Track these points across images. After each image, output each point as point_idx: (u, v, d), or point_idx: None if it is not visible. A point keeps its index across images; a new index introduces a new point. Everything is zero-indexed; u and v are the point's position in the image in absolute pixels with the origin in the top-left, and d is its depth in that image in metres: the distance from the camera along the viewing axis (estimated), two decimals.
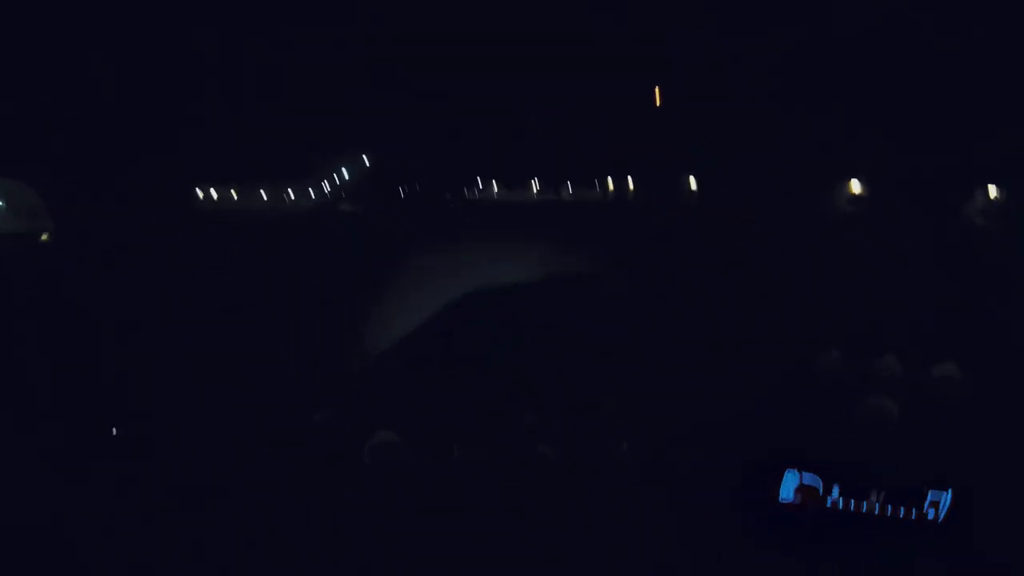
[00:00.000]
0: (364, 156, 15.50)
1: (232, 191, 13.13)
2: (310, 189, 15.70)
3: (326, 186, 15.68)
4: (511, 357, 6.86)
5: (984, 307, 6.42)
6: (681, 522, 3.41)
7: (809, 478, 3.19)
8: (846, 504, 3.16)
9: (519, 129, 13.14)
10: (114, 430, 4.23)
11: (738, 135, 10.54)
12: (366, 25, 10.84)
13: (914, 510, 3.08)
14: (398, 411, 4.77)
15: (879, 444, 3.71)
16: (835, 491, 3.17)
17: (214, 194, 12.72)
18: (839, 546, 3.15)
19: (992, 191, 9.02)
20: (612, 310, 8.10)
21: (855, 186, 10.10)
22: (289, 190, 14.82)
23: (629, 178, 14.07)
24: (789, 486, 3.22)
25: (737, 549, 3.29)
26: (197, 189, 12.25)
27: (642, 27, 10.17)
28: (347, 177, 15.75)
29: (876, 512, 3.14)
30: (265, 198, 14.41)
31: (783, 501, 3.24)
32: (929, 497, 3.05)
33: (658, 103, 11.35)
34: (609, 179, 15.73)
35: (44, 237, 8.73)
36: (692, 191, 12.11)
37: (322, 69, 11.51)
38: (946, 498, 3.03)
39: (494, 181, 17.37)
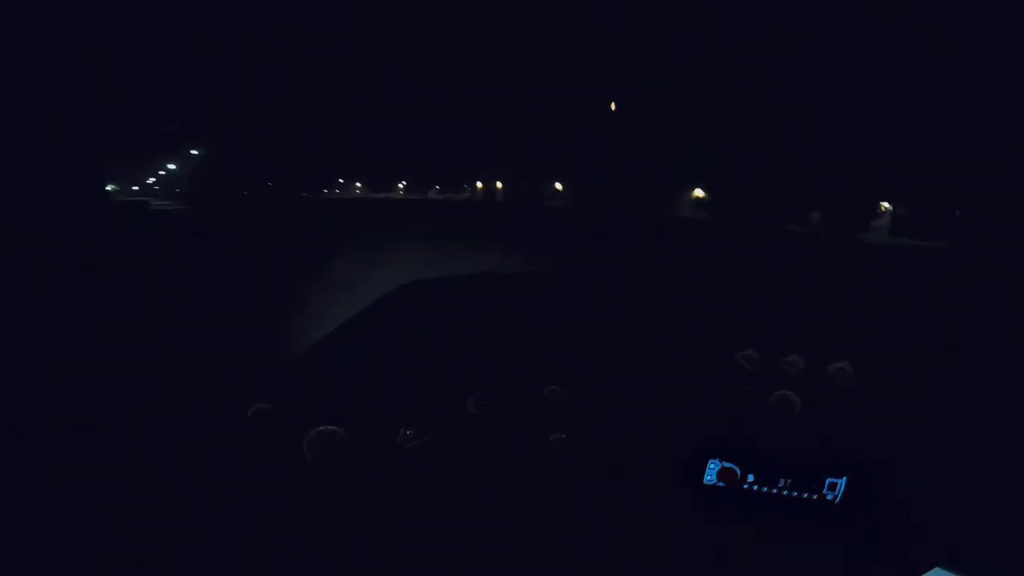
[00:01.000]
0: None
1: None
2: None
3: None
4: (448, 346, 6.75)
5: (874, 314, 7.00)
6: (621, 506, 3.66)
7: (729, 464, 3.62)
8: (759, 487, 3.62)
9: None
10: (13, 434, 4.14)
11: (738, 135, 10.59)
12: (366, 25, 10.86)
13: (816, 493, 3.55)
14: (335, 402, 4.79)
15: (786, 432, 4.28)
16: (750, 476, 3.61)
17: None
18: (754, 523, 3.56)
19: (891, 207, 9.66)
20: (546, 306, 8.09)
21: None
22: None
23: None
24: (712, 471, 3.64)
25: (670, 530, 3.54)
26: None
27: (642, 27, 10.19)
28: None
29: (785, 494, 3.60)
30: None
31: (707, 484, 3.65)
32: (828, 481, 3.51)
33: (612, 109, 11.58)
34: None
35: None
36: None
37: (322, 69, 11.55)
38: (842, 483, 3.50)
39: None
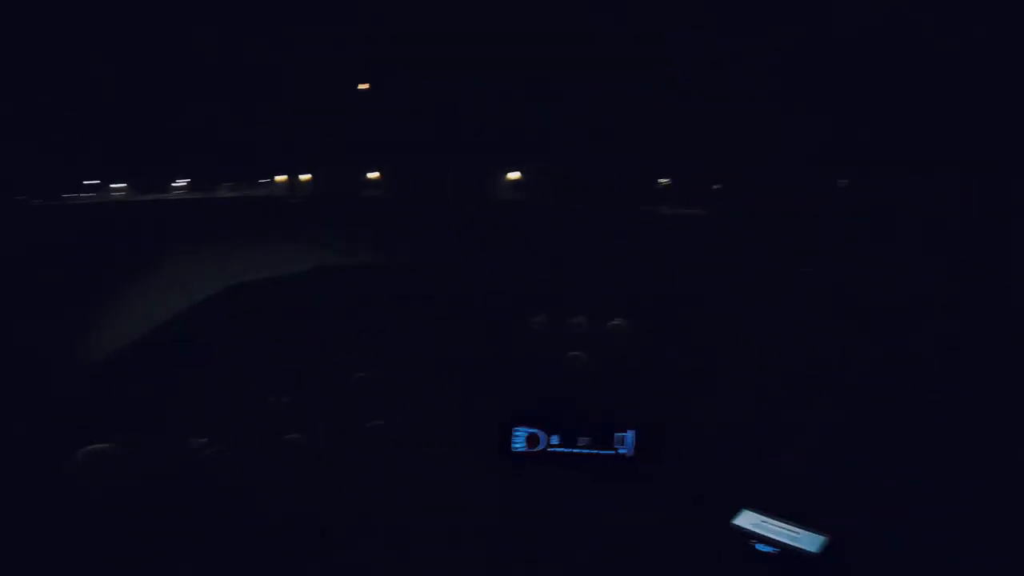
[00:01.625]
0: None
1: None
2: None
3: None
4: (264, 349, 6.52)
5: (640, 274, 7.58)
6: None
7: (534, 429, 3.94)
8: (562, 448, 4.00)
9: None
10: None
11: (734, 135, 10.60)
12: (366, 25, 10.84)
13: (612, 449, 3.94)
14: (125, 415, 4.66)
15: (580, 391, 4.69)
16: (554, 438, 3.97)
17: None
18: (560, 480, 3.89)
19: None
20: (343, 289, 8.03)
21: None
22: None
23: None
24: (520, 438, 3.95)
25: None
26: None
27: (642, 27, 10.18)
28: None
29: (585, 451, 3.96)
30: None
31: (515, 450, 3.95)
32: (619, 436, 3.90)
33: None
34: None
35: None
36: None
37: (322, 69, 11.52)
38: (631, 436, 3.89)
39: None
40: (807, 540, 3.02)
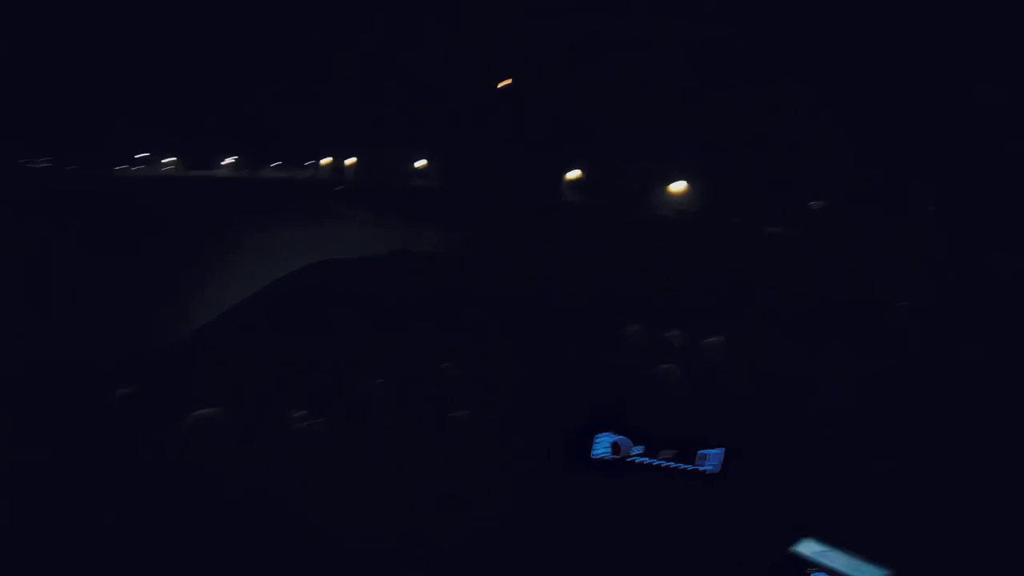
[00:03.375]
0: None
1: None
2: None
3: None
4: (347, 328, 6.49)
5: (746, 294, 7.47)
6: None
7: (619, 438, 3.90)
8: (646, 459, 3.90)
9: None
10: None
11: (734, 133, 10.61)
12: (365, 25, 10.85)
13: (694, 464, 3.83)
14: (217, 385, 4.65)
15: (669, 404, 4.65)
16: (638, 448, 3.90)
17: None
18: (640, 493, 3.85)
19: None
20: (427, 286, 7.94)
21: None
22: None
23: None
24: (604, 444, 3.90)
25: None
26: None
27: (642, 27, 10.21)
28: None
29: (669, 465, 3.88)
30: None
31: (599, 456, 3.91)
32: (706, 453, 3.82)
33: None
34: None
35: None
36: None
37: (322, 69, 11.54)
38: (719, 454, 3.79)
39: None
40: (868, 573, 2.93)
